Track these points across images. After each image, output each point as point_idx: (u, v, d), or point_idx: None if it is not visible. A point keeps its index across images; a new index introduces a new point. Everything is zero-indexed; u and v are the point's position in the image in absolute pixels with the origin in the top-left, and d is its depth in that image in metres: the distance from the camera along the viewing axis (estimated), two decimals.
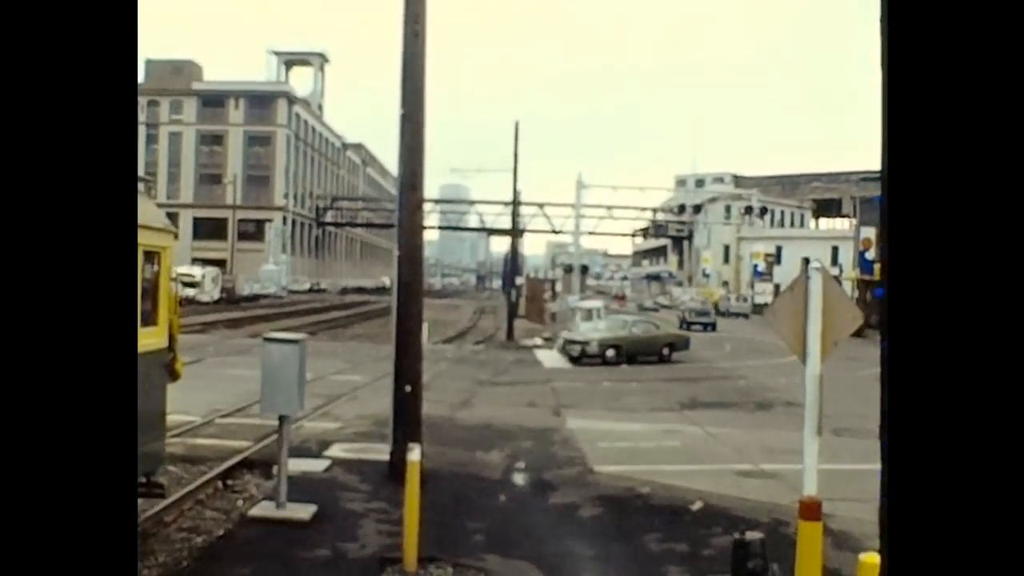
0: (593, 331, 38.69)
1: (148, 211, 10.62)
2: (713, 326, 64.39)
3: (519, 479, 14.40)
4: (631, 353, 36.64)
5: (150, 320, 10.33)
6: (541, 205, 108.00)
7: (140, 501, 11.07)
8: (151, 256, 10.33)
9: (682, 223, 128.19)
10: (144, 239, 9.99)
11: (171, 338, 10.89)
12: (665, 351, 37.79)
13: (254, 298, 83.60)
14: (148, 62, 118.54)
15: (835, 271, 79.84)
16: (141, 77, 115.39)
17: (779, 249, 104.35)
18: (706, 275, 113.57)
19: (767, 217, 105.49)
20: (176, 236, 11.63)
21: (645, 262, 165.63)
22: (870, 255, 60.89)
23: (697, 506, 12.63)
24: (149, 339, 10.18)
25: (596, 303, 48.40)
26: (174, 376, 11.10)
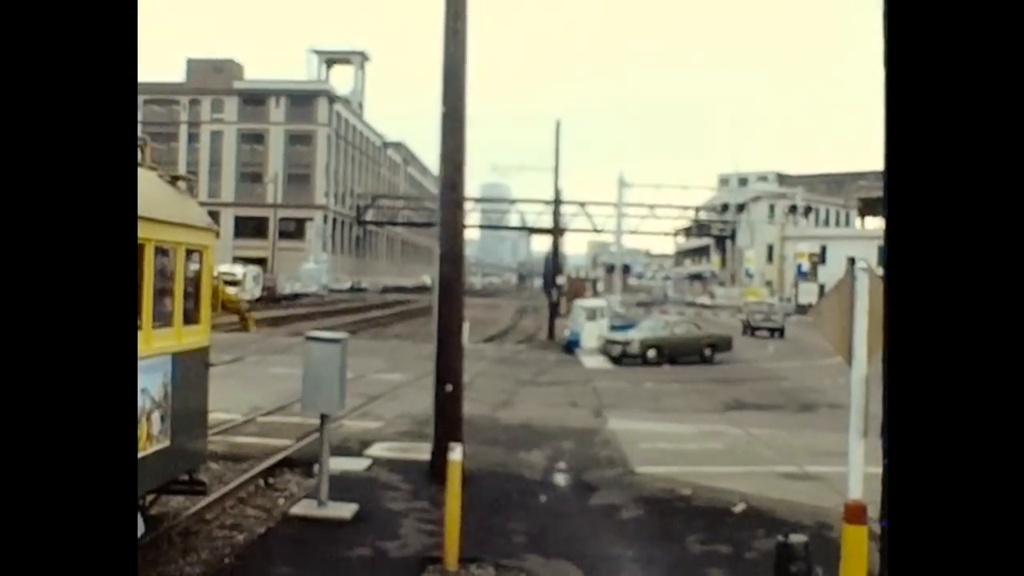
0: (635, 331, 38.45)
1: (191, 210, 10.68)
2: (781, 332, 54.65)
3: (560, 480, 14.33)
4: (672, 354, 36.34)
5: (192, 318, 10.35)
6: (583, 204, 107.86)
7: (182, 498, 11.16)
8: (193, 254, 10.38)
9: (725, 222, 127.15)
10: (187, 237, 10.06)
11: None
12: (707, 351, 37.46)
13: (295, 297, 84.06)
14: (189, 61, 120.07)
15: (881, 271, 78.75)
16: (182, 76, 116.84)
17: (824, 249, 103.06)
18: (749, 275, 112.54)
19: (812, 216, 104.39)
20: (218, 235, 11.69)
21: (687, 261, 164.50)
22: None
23: (740, 508, 12.49)
24: (192, 337, 10.22)
25: (599, 302, 47.73)
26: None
